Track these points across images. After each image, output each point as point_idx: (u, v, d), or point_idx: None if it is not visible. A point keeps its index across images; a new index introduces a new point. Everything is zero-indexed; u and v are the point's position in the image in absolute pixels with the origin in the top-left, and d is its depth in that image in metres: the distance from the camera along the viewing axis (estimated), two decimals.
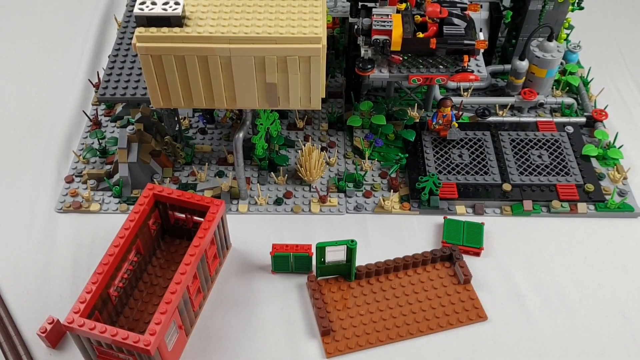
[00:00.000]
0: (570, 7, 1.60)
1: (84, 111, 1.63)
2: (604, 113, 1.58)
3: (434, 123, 1.52)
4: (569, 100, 1.63)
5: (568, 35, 1.75)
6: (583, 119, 1.59)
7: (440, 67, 1.35)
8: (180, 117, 1.56)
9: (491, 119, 1.58)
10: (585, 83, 1.70)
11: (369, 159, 1.52)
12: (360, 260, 1.29)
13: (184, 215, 1.30)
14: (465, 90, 1.66)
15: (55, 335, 1.20)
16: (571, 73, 1.68)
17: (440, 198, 1.41)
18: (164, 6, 1.11)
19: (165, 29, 1.12)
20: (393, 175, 1.46)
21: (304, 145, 1.45)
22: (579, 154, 1.50)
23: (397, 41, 1.30)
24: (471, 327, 1.23)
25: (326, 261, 1.25)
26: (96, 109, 1.65)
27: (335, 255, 1.24)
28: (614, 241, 1.38)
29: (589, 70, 1.73)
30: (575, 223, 1.41)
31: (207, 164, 1.50)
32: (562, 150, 1.50)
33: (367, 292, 1.27)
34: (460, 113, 1.56)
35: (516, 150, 1.51)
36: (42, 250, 1.35)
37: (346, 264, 1.26)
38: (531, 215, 1.42)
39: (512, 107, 1.64)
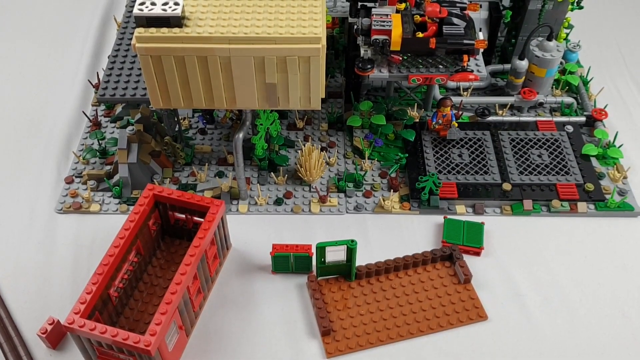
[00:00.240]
0: (570, 7, 1.60)
1: (83, 112, 1.63)
2: (603, 112, 1.58)
3: (433, 123, 1.52)
4: (568, 99, 1.63)
5: (568, 34, 1.75)
6: (583, 119, 1.59)
7: (440, 66, 1.35)
8: (180, 118, 1.56)
9: (491, 118, 1.58)
10: (585, 82, 1.70)
11: (368, 158, 1.52)
12: (361, 260, 1.29)
13: (184, 216, 1.30)
14: (465, 89, 1.66)
15: (56, 335, 1.20)
16: (571, 72, 1.68)
17: (440, 198, 1.41)
18: (164, 7, 1.11)
19: (164, 30, 1.12)
20: (393, 175, 1.46)
21: (304, 146, 1.45)
22: (579, 154, 1.50)
23: (397, 41, 1.30)
24: (471, 327, 1.23)
25: (326, 261, 1.25)
26: (96, 110, 1.65)
27: (336, 255, 1.24)
28: (614, 240, 1.38)
29: (589, 69, 1.73)
30: (575, 222, 1.41)
31: (207, 164, 1.50)
32: (562, 149, 1.50)
33: (368, 292, 1.27)
34: (460, 113, 1.56)
35: (516, 149, 1.51)
36: (42, 251, 1.35)
37: (346, 264, 1.26)
38: (531, 215, 1.42)
39: (512, 107, 1.64)
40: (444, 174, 1.45)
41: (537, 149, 1.51)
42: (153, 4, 1.12)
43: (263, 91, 1.19)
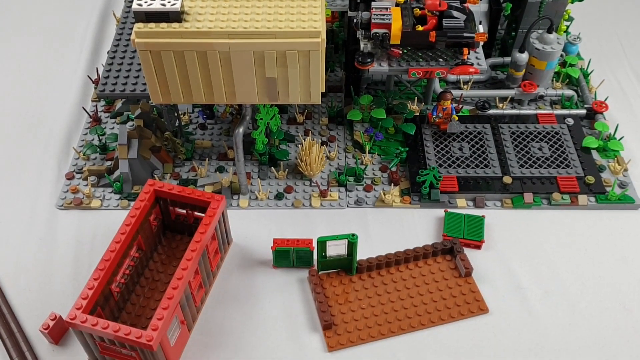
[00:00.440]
0: None
1: (83, 108, 1.63)
2: (604, 105, 1.58)
3: (434, 116, 1.52)
4: (569, 92, 1.63)
5: (568, 27, 1.75)
6: (583, 111, 1.59)
7: (440, 60, 1.34)
8: (180, 113, 1.56)
9: (491, 111, 1.58)
10: (585, 75, 1.69)
11: (369, 152, 1.51)
12: (361, 254, 1.29)
13: (184, 211, 1.30)
14: (465, 83, 1.66)
15: (58, 331, 1.20)
16: (571, 65, 1.68)
17: (441, 191, 1.41)
18: (163, 1, 1.11)
19: (164, 25, 1.12)
20: (393, 169, 1.46)
21: (304, 140, 1.45)
22: (580, 146, 1.50)
23: (397, 34, 1.29)
24: (472, 320, 1.23)
25: (327, 255, 1.26)
26: (96, 106, 1.65)
27: (336, 249, 1.24)
28: (615, 233, 1.38)
29: (589, 62, 1.73)
30: (576, 215, 1.41)
31: (207, 159, 1.50)
32: (562, 142, 1.50)
33: (369, 286, 1.27)
34: (460, 106, 1.55)
35: (516, 142, 1.50)
36: (43, 247, 1.36)
37: (347, 258, 1.27)
38: (532, 208, 1.42)
39: (512, 100, 1.64)
40: (445, 167, 1.45)
41: (537, 141, 1.50)
42: None
43: (263, 86, 1.19)
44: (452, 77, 1.67)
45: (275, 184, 1.47)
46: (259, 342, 1.20)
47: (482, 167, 1.45)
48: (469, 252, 1.32)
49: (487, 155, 1.48)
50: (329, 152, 1.52)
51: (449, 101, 1.48)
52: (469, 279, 1.28)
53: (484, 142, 1.50)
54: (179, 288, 1.10)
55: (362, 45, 1.35)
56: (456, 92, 1.58)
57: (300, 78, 1.18)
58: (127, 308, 1.22)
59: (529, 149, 1.49)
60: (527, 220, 1.40)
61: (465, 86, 1.65)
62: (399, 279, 1.28)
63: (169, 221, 1.33)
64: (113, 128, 1.59)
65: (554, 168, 1.45)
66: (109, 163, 1.50)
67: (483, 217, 1.37)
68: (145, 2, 1.11)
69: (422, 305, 1.24)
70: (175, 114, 1.53)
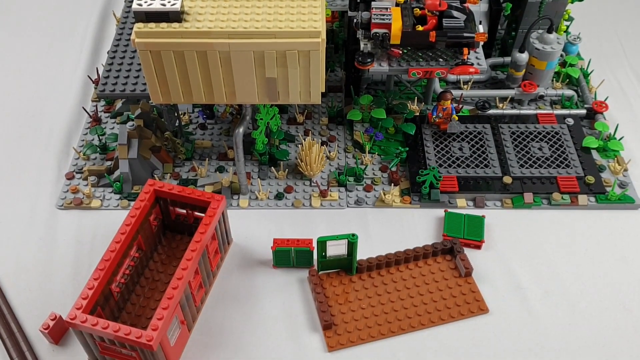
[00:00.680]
0: None
1: (83, 108, 1.63)
2: (604, 105, 1.58)
3: (434, 116, 1.52)
4: (569, 92, 1.63)
5: (568, 27, 1.75)
6: (583, 111, 1.59)
7: (440, 60, 1.34)
8: (180, 113, 1.56)
9: (491, 111, 1.58)
10: (586, 75, 1.69)
11: (369, 152, 1.51)
12: (361, 254, 1.29)
13: (184, 211, 1.30)
14: (465, 83, 1.66)
15: (58, 331, 1.20)
16: (571, 65, 1.68)
17: (441, 191, 1.41)
18: (163, 1, 1.11)
19: (164, 25, 1.12)
20: (393, 169, 1.46)
21: (304, 140, 1.45)
22: (580, 146, 1.50)
23: (397, 34, 1.29)
24: (472, 320, 1.23)
25: (327, 255, 1.26)
26: (96, 106, 1.65)
27: (336, 249, 1.24)
28: (615, 233, 1.38)
29: (589, 62, 1.73)
30: (576, 215, 1.41)
31: (207, 159, 1.50)
32: (562, 142, 1.50)
33: (369, 286, 1.27)
34: (460, 106, 1.55)
35: (516, 142, 1.51)
36: (43, 247, 1.36)
37: (347, 258, 1.27)
38: (532, 208, 1.42)
39: (512, 100, 1.64)
40: (445, 167, 1.45)
41: (537, 141, 1.50)
42: None
43: (263, 86, 1.19)
44: (452, 77, 1.67)
45: (275, 184, 1.47)
46: (259, 342, 1.20)
47: (482, 167, 1.45)
48: (469, 252, 1.32)
49: (487, 155, 1.48)
50: (329, 152, 1.52)
51: (449, 101, 1.48)
52: (469, 279, 1.28)
53: (484, 142, 1.50)
54: (179, 288, 1.10)
55: (362, 45, 1.35)
56: (456, 92, 1.58)
57: (300, 78, 1.18)
58: (127, 308, 1.22)
59: (529, 149, 1.49)
60: (527, 221, 1.40)
61: (465, 86, 1.65)
62: (399, 279, 1.28)
63: (169, 221, 1.33)
64: (113, 128, 1.59)
65: (554, 168, 1.45)
66: (109, 163, 1.50)
67: (483, 217, 1.37)
68: (145, 2, 1.11)
69: (422, 305, 1.24)
70: (175, 114, 1.53)
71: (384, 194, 1.41)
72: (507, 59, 1.69)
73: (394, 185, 1.45)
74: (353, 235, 1.22)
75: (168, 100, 1.22)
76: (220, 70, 1.16)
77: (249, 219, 1.40)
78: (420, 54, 1.36)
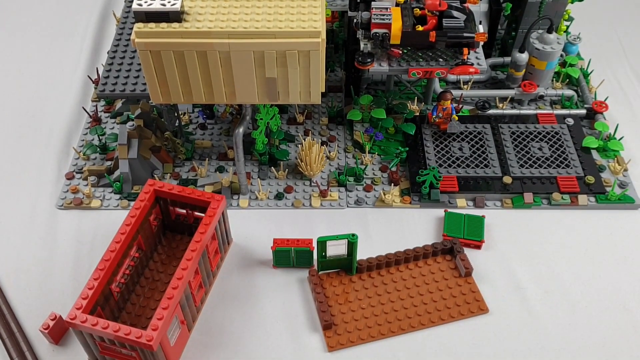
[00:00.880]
0: None
1: (83, 108, 1.63)
2: (604, 105, 1.58)
3: (434, 116, 1.52)
4: (569, 92, 1.63)
5: (568, 27, 1.75)
6: (583, 111, 1.59)
7: (440, 60, 1.34)
8: (180, 113, 1.56)
9: (491, 111, 1.58)
10: (585, 75, 1.69)
11: (369, 152, 1.51)
12: (361, 254, 1.29)
13: (184, 211, 1.30)
14: (465, 83, 1.66)
15: (58, 331, 1.20)
16: (571, 65, 1.68)
17: (441, 191, 1.41)
18: (163, 1, 1.11)
19: (164, 25, 1.12)
20: (393, 169, 1.46)
21: (304, 140, 1.45)
22: (580, 146, 1.50)
23: (397, 34, 1.29)
24: (472, 320, 1.23)
25: (327, 255, 1.26)
26: (96, 106, 1.65)
27: (336, 249, 1.24)
28: (615, 233, 1.38)
29: (589, 62, 1.73)
30: (576, 215, 1.41)
31: (207, 159, 1.50)
32: (562, 142, 1.50)
33: (369, 286, 1.27)
34: (460, 106, 1.55)
35: (516, 142, 1.51)
36: (43, 247, 1.36)
37: (347, 257, 1.27)
38: (532, 208, 1.42)
39: (512, 100, 1.64)
40: (445, 167, 1.45)
41: (537, 141, 1.50)
42: None
43: (263, 86, 1.19)
44: (452, 77, 1.67)
45: (275, 184, 1.47)
46: (259, 342, 1.20)
47: (482, 167, 1.45)
48: (469, 252, 1.32)
49: (487, 155, 1.48)
50: (329, 152, 1.52)
51: (449, 101, 1.48)
52: (469, 279, 1.28)
53: (484, 142, 1.50)
54: (179, 288, 1.10)
55: (362, 45, 1.35)
56: (456, 92, 1.58)
57: (300, 78, 1.18)
58: (127, 308, 1.22)
59: (529, 149, 1.49)
60: (527, 221, 1.40)
61: (465, 86, 1.65)
62: (399, 279, 1.28)
63: (169, 221, 1.33)
64: (113, 128, 1.59)
65: (554, 168, 1.45)
66: (109, 163, 1.50)
67: (483, 217, 1.37)
68: (145, 2, 1.11)
69: (422, 305, 1.24)
70: (175, 114, 1.53)
71: (384, 194, 1.41)
72: (507, 59, 1.69)
73: (394, 185, 1.45)
74: (353, 235, 1.22)
75: (168, 100, 1.22)
76: (220, 70, 1.16)
77: (249, 219, 1.40)
78: (420, 54, 1.36)
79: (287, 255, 1.29)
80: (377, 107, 1.56)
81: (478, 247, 1.34)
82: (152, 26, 1.11)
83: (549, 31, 1.54)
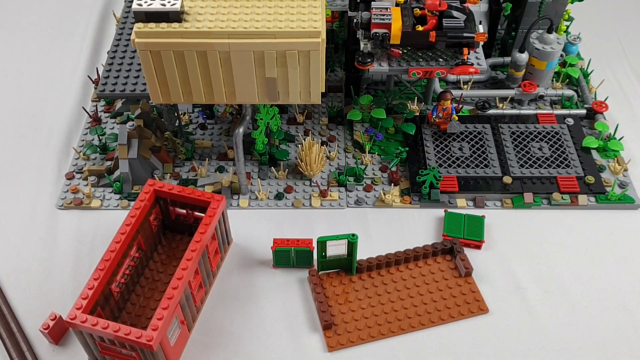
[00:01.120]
0: None
1: (83, 108, 1.63)
2: (604, 105, 1.58)
3: (434, 116, 1.52)
4: (569, 92, 1.63)
5: (568, 27, 1.75)
6: (583, 111, 1.59)
7: (440, 60, 1.34)
8: (180, 113, 1.56)
9: (491, 111, 1.58)
10: (585, 75, 1.69)
11: (369, 152, 1.51)
12: (361, 254, 1.29)
13: (184, 211, 1.30)
14: (465, 83, 1.66)
15: (58, 331, 1.20)
16: (571, 65, 1.68)
17: (441, 191, 1.41)
18: (163, 1, 1.11)
19: (164, 25, 1.12)
20: (393, 169, 1.46)
21: (304, 140, 1.45)
22: (580, 146, 1.50)
23: (397, 34, 1.29)
24: (472, 320, 1.23)
25: (327, 255, 1.26)
26: (96, 106, 1.65)
27: (336, 249, 1.24)
28: (615, 233, 1.38)
29: (589, 62, 1.73)
30: (576, 215, 1.41)
31: (207, 159, 1.50)
32: (562, 142, 1.50)
33: (369, 286, 1.27)
34: (460, 106, 1.55)
35: (516, 142, 1.51)
36: (43, 247, 1.36)
37: (347, 258, 1.27)
38: (532, 208, 1.42)
39: (512, 100, 1.64)
40: (445, 167, 1.45)
41: (537, 141, 1.50)
42: None
43: (263, 86, 1.19)
44: (452, 77, 1.67)
45: (275, 184, 1.47)
46: (259, 342, 1.20)
47: (482, 167, 1.45)
48: (469, 252, 1.32)
49: (487, 155, 1.48)
50: (329, 152, 1.52)
51: (449, 101, 1.48)
52: (469, 279, 1.28)
53: (484, 142, 1.50)
54: (179, 288, 1.10)
55: (362, 45, 1.35)
56: (456, 92, 1.58)
57: (300, 78, 1.18)
58: (127, 308, 1.22)
59: (529, 149, 1.49)
60: (527, 221, 1.40)
61: (465, 86, 1.65)
62: (399, 279, 1.28)
63: (169, 221, 1.33)
64: (113, 128, 1.59)
65: (554, 168, 1.45)
66: (109, 163, 1.50)
67: (483, 217, 1.37)
68: (145, 2, 1.11)
69: (422, 305, 1.24)
70: (175, 114, 1.53)
71: (384, 194, 1.41)
72: (507, 59, 1.69)
73: (394, 185, 1.45)
74: (353, 235, 1.22)
75: (168, 100, 1.22)
76: (220, 70, 1.16)
77: (249, 219, 1.40)
78: (420, 54, 1.36)
79: (287, 255, 1.29)
80: (377, 107, 1.56)
81: (478, 247, 1.34)
82: (152, 26, 1.11)
83: (549, 31, 1.54)
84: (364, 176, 1.48)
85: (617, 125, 1.55)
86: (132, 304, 1.23)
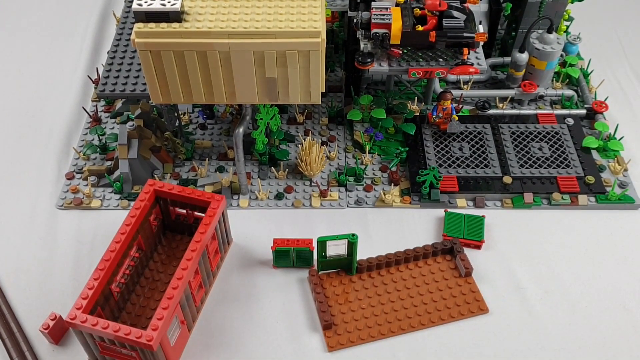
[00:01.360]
0: None
1: (83, 108, 1.63)
2: (604, 105, 1.58)
3: (434, 116, 1.52)
4: (569, 92, 1.63)
5: (568, 27, 1.75)
6: (583, 111, 1.59)
7: (440, 60, 1.34)
8: (180, 113, 1.56)
9: (491, 111, 1.58)
10: (585, 75, 1.69)
11: (369, 152, 1.52)
12: (361, 254, 1.29)
13: (184, 211, 1.30)
14: (465, 83, 1.66)
15: (58, 331, 1.20)
16: (571, 65, 1.68)
17: (441, 191, 1.41)
18: (163, 1, 1.11)
19: (164, 25, 1.12)
20: (393, 169, 1.46)
21: (304, 140, 1.45)
22: (580, 146, 1.50)
23: (397, 34, 1.29)
24: (472, 320, 1.23)
25: (327, 255, 1.26)
26: (96, 106, 1.65)
27: (336, 249, 1.24)
28: (615, 233, 1.38)
29: (589, 62, 1.73)
30: (576, 215, 1.41)
31: (207, 159, 1.50)
32: (562, 142, 1.50)
33: (369, 286, 1.27)
34: (460, 106, 1.55)
35: (516, 142, 1.51)
36: (43, 247, 1.36)
37: (347, 257, 1.27)
38: (532, 208, 1.42)
39: (512, 100, 1.64)
40: (445, 167, 1.45)
41: (537, 141, 1.50)
42: None
43: (263, 86, 1.19)
44: (452, 77, 1.67)
45: (275, 184, 1.47)
46: (259, 342, 1.20)
47: (482, 167, 1.45)
48: (469, 252, 1.32)
49: (487, 155, 1.48)
50: (329, 152, 1.52)
51: (449, 101, 1.48)
52: (469, 279, 1.28)
53: (484, 142, 1.50)
54: (179, 288, 1.10)
55: (362, 45, 1.35)
56: (456, 92, 1.58)
57: (300, 78, 1.18)
58: (127, 308, 1.22)
59: (529, 149, 1.49)
60: (527, 220, 1.40)
61: (465, 86, 1.65)
62: (399, 279, 1.28)
63: (169, 221, 1.33)
64: (113, 128, 1.59)
65: (554, 168, 1.45)
66: (109, 163, 1.50)
67: (483, 217, 1.37)
68: (145, 2, 1.11)
69: (422, 305, 1.24)
70: (175, 114, 1.53)
71: (384, 194, 1.41)
72: (507, 59, 1.69)
73: (394, 185, 1.45)
74: (353, 235, 1.22)
75: (168, 100, 1.22)
76: (220, 70, 1.16)
77: (249, 219, 1.40)
78: (420, 54, 1.36)
79: (287, 255, 1.29)
80: (377, 107, 1.56)
81: (478, 247, 1.34)
82: (152, 26, 1.11)
83: (549, 31, 1.54)
84: (364, 176, 1.48)
85: (617, 125, 1.55)
86: (132, 304, 1.23)
